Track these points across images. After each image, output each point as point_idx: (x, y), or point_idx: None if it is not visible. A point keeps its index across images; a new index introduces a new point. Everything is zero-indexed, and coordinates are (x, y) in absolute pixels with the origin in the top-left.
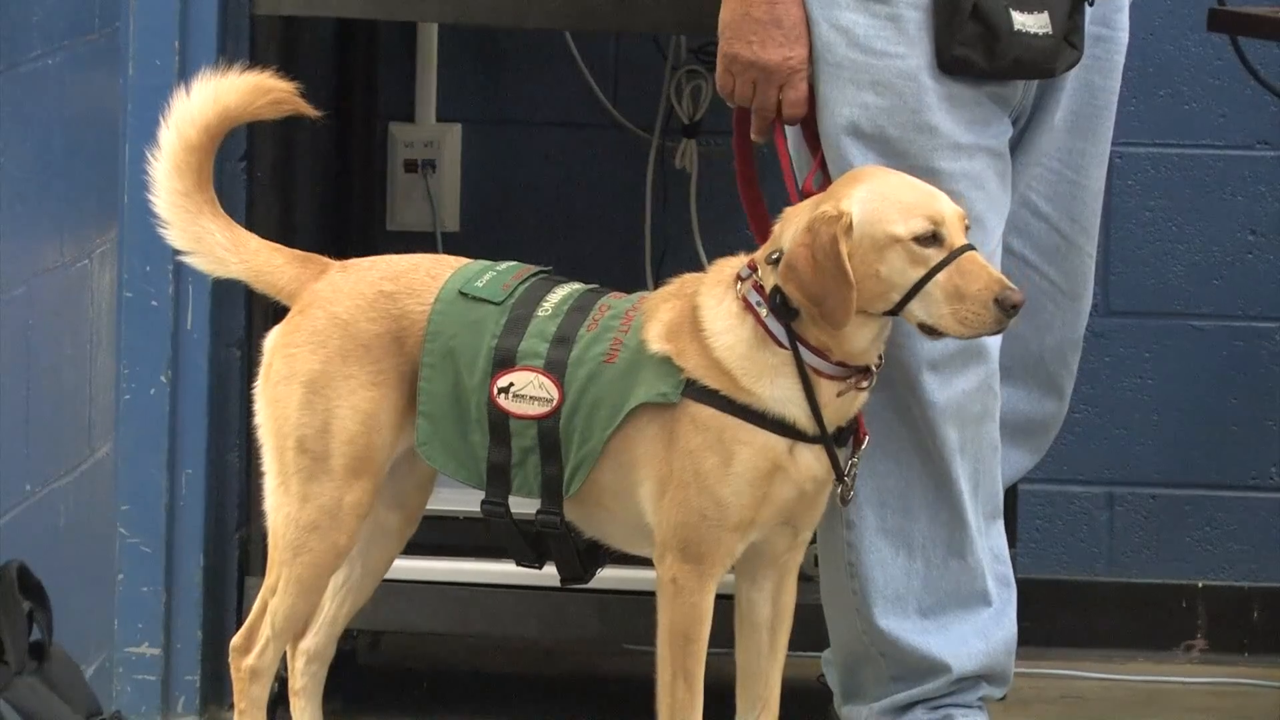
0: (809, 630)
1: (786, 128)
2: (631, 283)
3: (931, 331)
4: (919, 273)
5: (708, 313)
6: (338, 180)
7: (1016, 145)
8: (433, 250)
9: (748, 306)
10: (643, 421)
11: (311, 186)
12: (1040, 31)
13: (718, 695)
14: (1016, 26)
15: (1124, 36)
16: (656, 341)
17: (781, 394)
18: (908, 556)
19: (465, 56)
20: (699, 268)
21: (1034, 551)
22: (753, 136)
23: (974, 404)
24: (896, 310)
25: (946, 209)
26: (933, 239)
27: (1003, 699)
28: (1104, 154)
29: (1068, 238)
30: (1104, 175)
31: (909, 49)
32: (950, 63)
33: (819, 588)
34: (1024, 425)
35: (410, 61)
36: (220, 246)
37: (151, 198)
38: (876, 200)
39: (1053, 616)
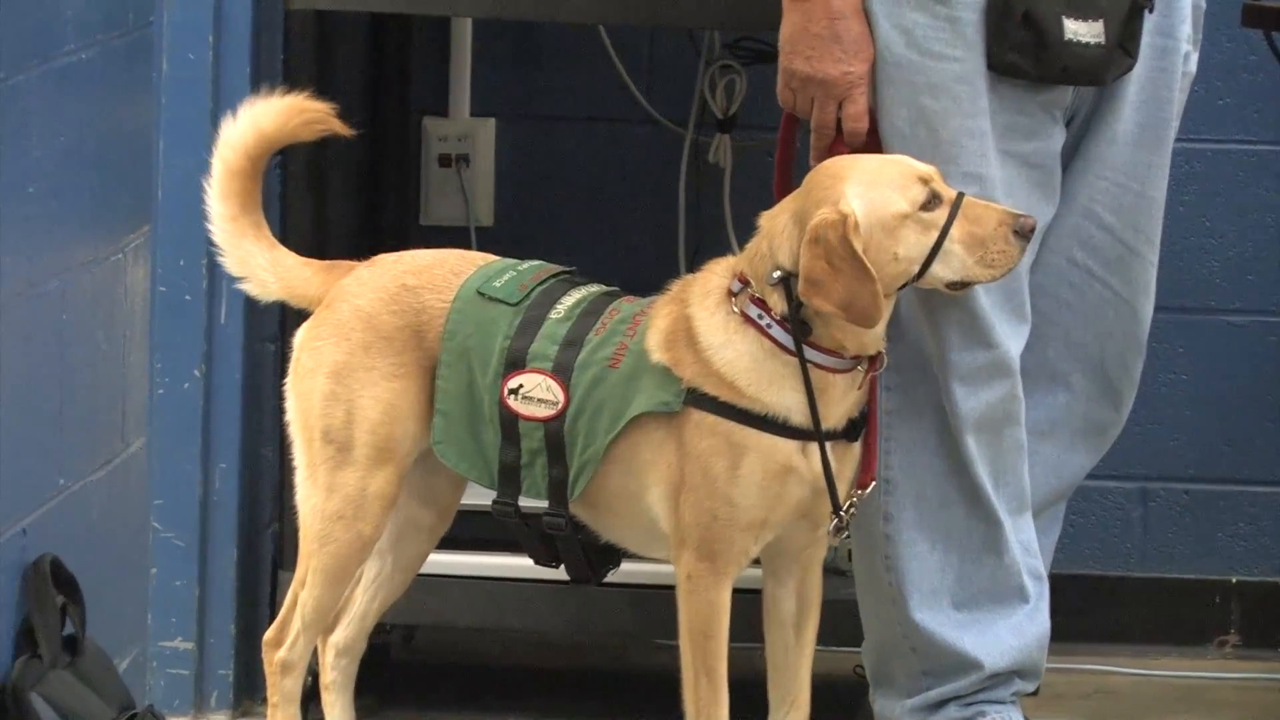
0: (842, 625)
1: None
2: (665, 278)
3: (961, 285)
4: (932, 237)
5: (702, 325)
6: (371, 174)
7: (1075, 155)
8: (466, 245)
9: (747, 320)
10: (649, 427)
11: (345, 181)
12: (1092, 41)
13: (751, 690)
14: (1068, 35)
15: (1186, 47)
16: (656, 350)
17: (790, 401)
18: (944, 551)
19: (499, 50)
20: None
21: (1068, 546)
22: (812, 162)
23: (996, 413)
24: (916, 280)
25: (925, 167)
26: (932, 199)
27: (1035, 693)
28: (1167, 164)
29: (1131, 247)
30: (1165, 183)
31: (965, 52)
32: (999, 67)
33: (851, 583)
34: (1083, 429)
35: (444, 55)
36: (261, 269)
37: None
38: (869, 188)
39: (1086, 611)
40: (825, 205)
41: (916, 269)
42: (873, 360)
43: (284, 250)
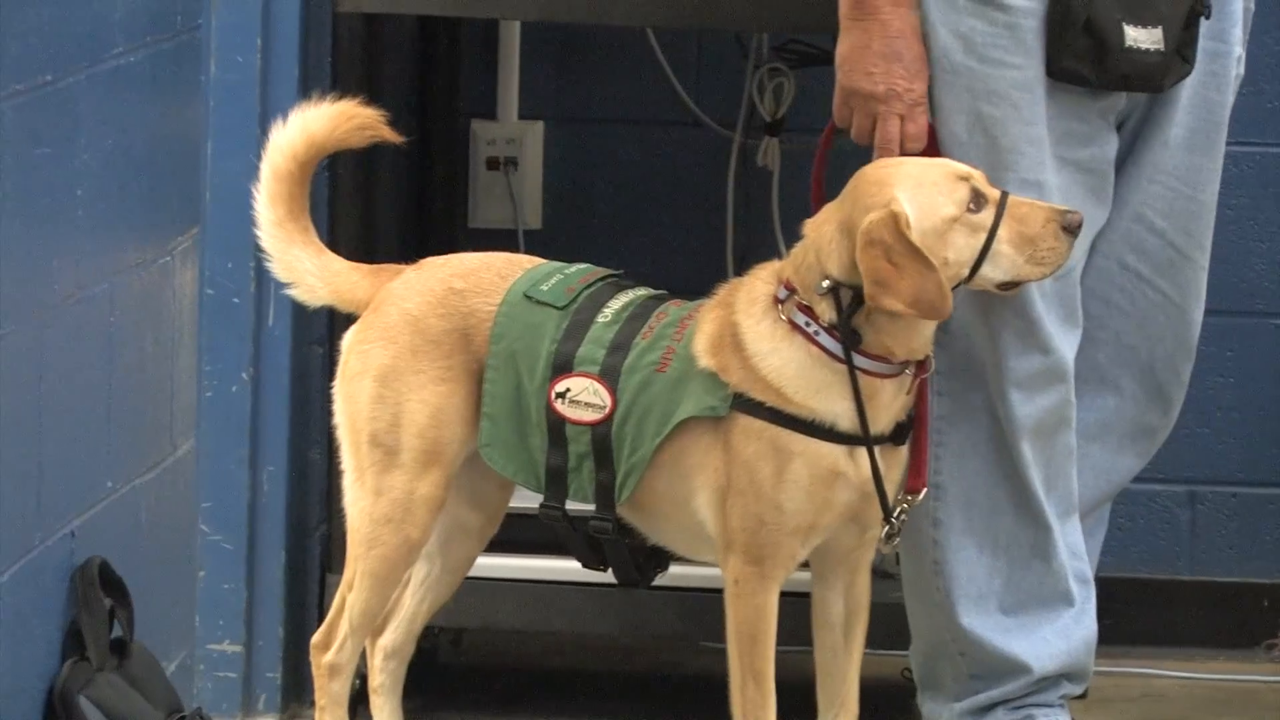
0: (890, 628)
1: None
2: (712, 281)
3: (1011, 285)
4: (981, 239)
5: (748, 333)
6: (419, 178)
7: (1127, 159)
8: (514, 248)
9: (794, 327)
10: (696, 432)
11: (393, 184)
12: (1152, 47)
13: (800, 693)
14: (1128, 42)
15: (1239, 50)
16: (703, 355)
17: (838, 407)
18: (992, 556)
19: (547, 53)
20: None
21: (1115, 550)
22: None
23: (1051, 418)
24: (966, 282)
25: (965, 167)
26: (977, 199)
27: (1084, 696)
28: (1218, 167)
29: (1182, 251)
30: (1217, 188)
31: (1025, 59)
32: (1058, 73)
33: (899, 585)
34: (1132, 432)
35: (492, 58)
36: (309, 274)
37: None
38: (916, 192)
39: (1134, 615)
40: (875, 209)
41: (966, 271)
42: (920, 364)
43: (331, 255)
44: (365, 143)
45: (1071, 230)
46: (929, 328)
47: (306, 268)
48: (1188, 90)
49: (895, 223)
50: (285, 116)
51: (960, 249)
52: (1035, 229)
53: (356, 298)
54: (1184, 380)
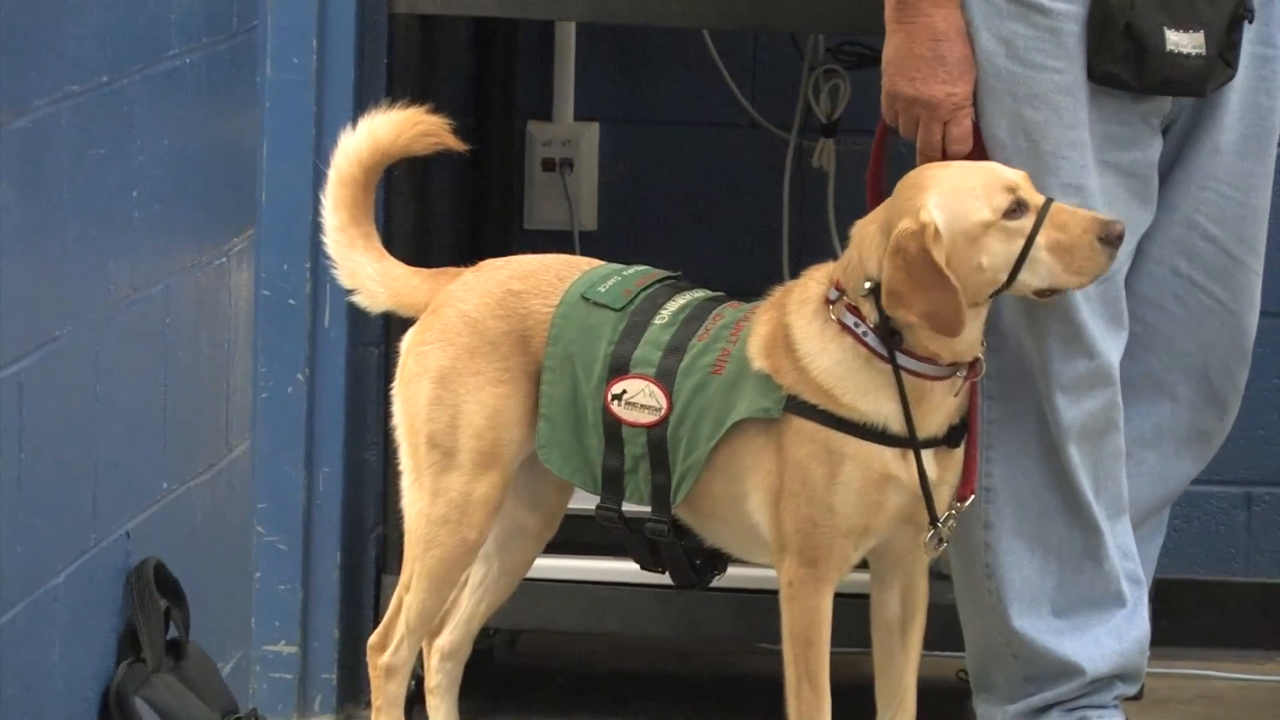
0: (947, 630)
1: None
2: (768, 283)
3: (1049, 293)
4: (1018, 245)
5: (799, 334)
6: (475, 178)
7: (1176, 165)
8: (570, 249)
9: (844, 328)
10: (750, 434)
11: (449, 185)
12: (1194, 52)
13: (858, 695)
14: (1169, 47)
15: None
16: (757, 358)
17: (887, 409)
18: (1044, 558)
19: (603, 55)
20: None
21: (1171, 551)
22: None
23: (1098, 421)
24: (1005, 288)
25: (1012, 174)
26: (1018, 207)
27: (1139, 697)
28: (1271, 171)
29: (1235, 257)
30: (1269, 192)
31: (1067, 63)
32: (1099, 77)
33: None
34: (1188, 436)
35: (548, 60)
36: (370, 279)
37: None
38: (951, 197)
39: (1190, 616)
40: (907, 216)
41: (1004, 277)
42: (971, 366)
43: (392, 260)
44: (430, 150)
45: (1110, 241)
46: (975, 326)
47: (368, 273)
48: (1237, 95)
49: (922, 235)
50: (340, 118)
51: (996, 254)
52: (1074, 237)
53: (415, 302)
54: (1240, 385)
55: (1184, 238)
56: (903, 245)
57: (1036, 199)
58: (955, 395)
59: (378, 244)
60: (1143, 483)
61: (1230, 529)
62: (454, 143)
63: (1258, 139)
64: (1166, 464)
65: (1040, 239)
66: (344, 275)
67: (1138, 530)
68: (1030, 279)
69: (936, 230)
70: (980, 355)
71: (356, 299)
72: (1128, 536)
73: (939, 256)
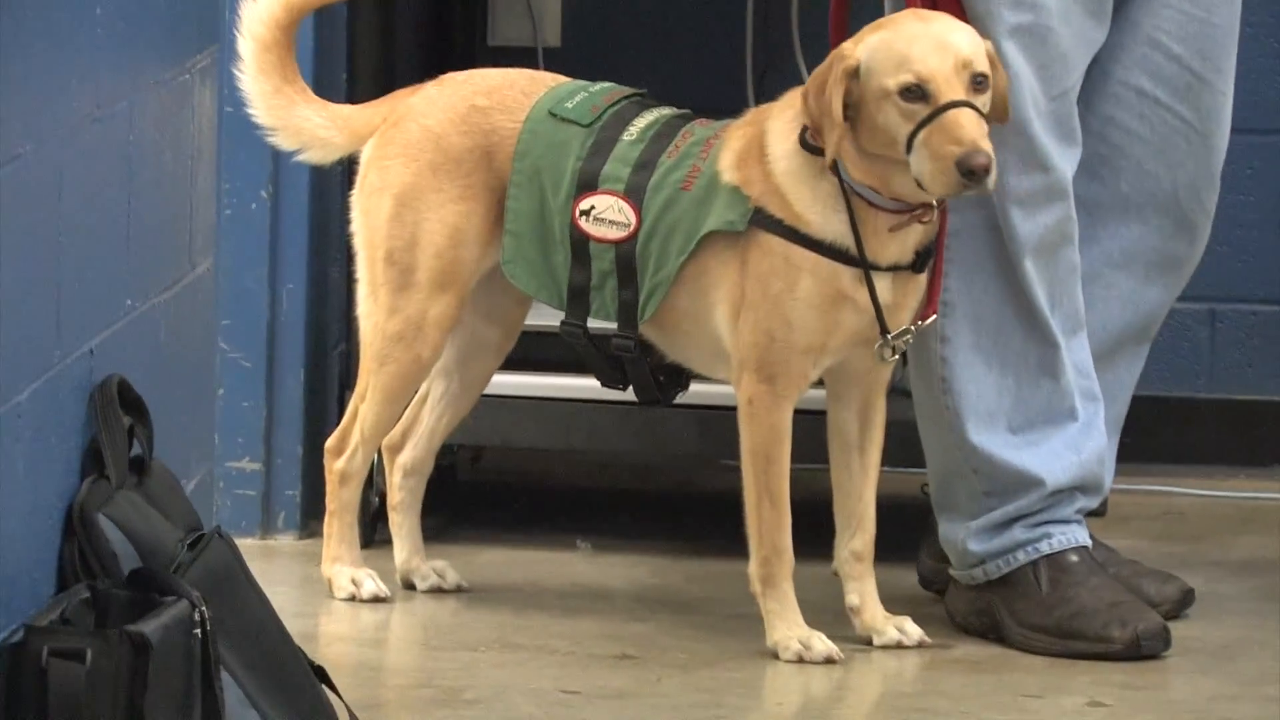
0: (907, 446)
1: None
2: (731, 100)
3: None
4: (908, 128)
5: (772, 138)
6: None
7: None
8: (533, 65)
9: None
10: (718, 247)
11: (411, 2)
12: None
13: (817, 512)
14: None
15: None
16: (728, 171)
17: (834, 226)
18: (1000, 373)
19: None
20: (800, 84)
21: None
22: None
23: (1053, 235)
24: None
25: (939, 64)
26: (921, 95)
27: (1103, 514)
28: None
29: (1199, 76)
30: (1236, 11)
31: None
32: None
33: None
34: (1159, 262)
35: None
36: (321, 129)
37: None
38: (882, 50)
39: (1153, 433)
40: (855, 40)
41: (901, 150)
42: (924, 208)
43: (338, 106)
44: None
45: (962, 170)
46: (907, 174)
47: (316, 124)
48: None
49: (843, 65)
50: None
51: (891, 124)
52: (942, 149)
53: (375, 129)
54: (1209, 210)
55: (1147, 56)
56: (832, 61)
57: (944, 96)
58: (890, 231)
59: (316, 97)
60: (1113, 306)
61: (1193, 346)
62: None
63: None
64: (1137, 288)
65: (923, 134)
66: (288, 137)
67: (1113, 357)
68: (912, 163)
69: (857, 67)
70: (931, 202)
71: (307, 157)
72: (1084, 353)
73: (840, 87)
